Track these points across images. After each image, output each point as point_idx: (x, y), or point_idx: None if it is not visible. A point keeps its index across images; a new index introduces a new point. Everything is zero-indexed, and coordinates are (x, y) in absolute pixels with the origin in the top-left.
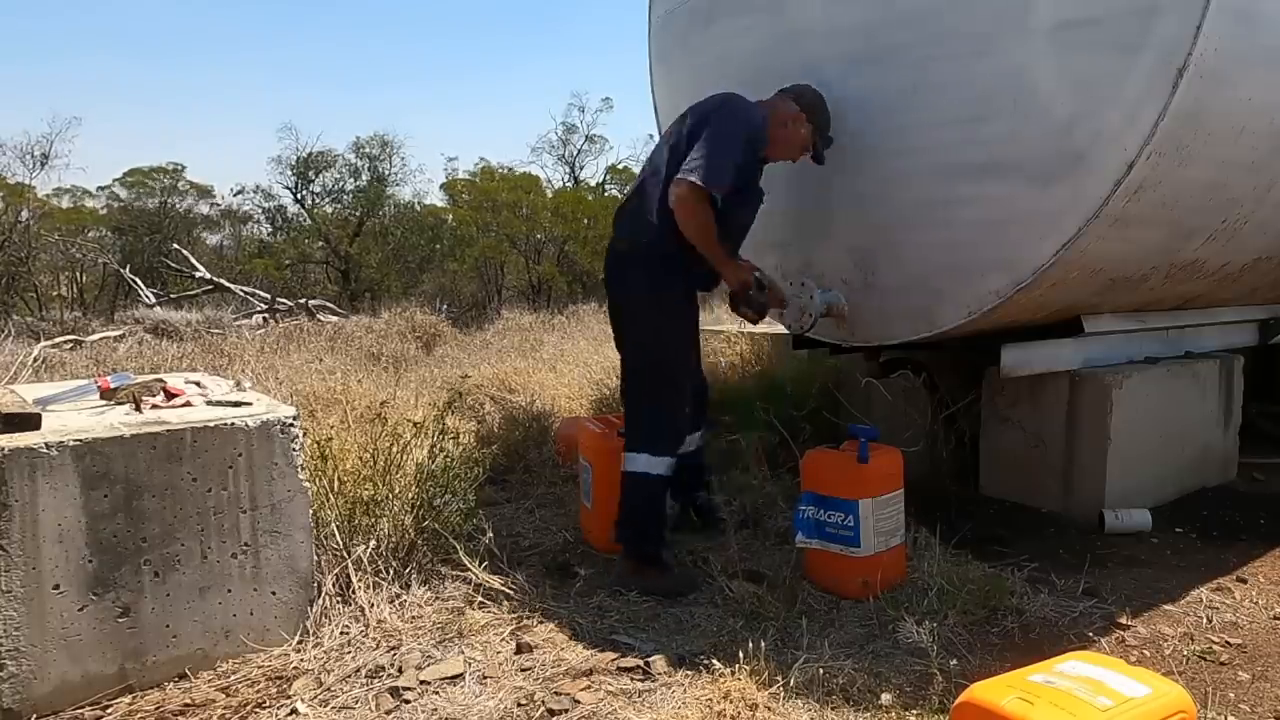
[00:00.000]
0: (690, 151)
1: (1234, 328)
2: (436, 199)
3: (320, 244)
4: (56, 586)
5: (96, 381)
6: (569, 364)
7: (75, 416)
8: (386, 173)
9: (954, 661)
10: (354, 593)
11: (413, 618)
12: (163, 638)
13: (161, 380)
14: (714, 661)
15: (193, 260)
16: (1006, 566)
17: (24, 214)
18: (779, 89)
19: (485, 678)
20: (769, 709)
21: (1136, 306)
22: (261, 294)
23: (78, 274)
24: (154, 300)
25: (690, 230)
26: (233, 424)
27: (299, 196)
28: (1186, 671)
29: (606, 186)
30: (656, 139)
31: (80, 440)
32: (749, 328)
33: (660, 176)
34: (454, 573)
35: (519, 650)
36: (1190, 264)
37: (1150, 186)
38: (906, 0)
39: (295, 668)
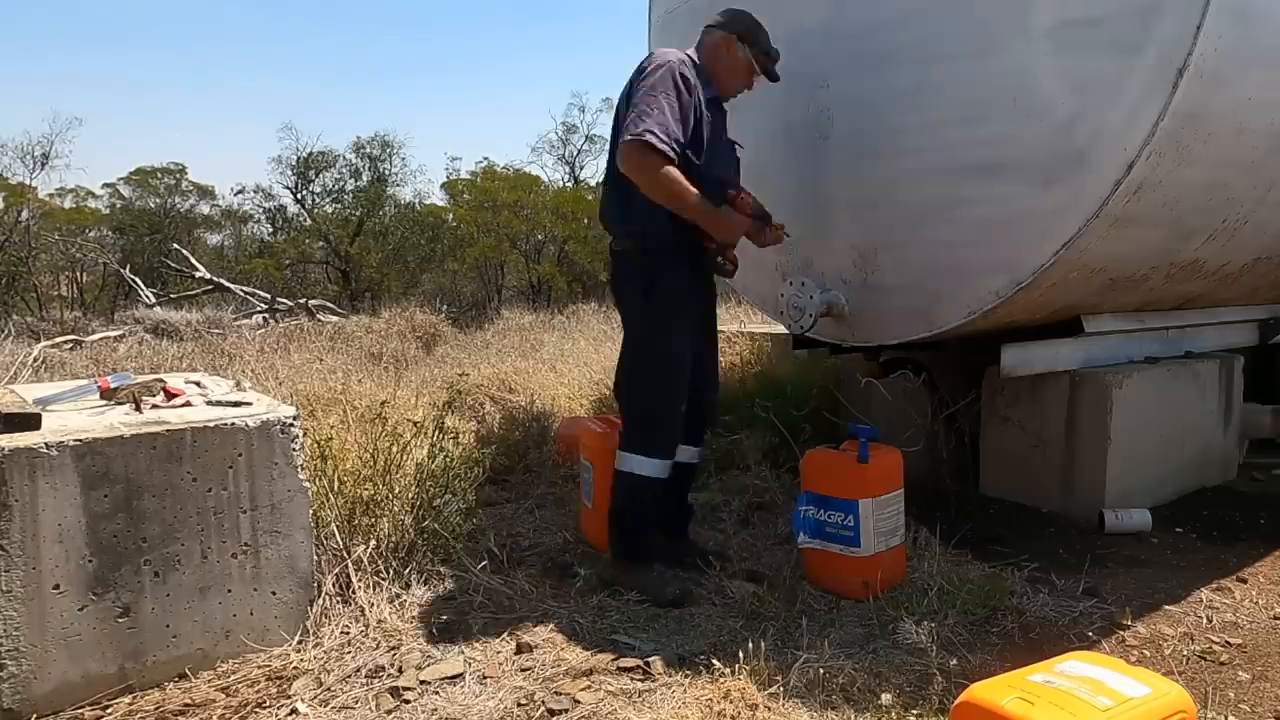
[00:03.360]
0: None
1: (1234, 328)
2: (437, 199)
3: (320, 244)
4: (56, 586)
5: (96, 381)
6: (569, 364)
7: (75, 416)
8: (387, 173)
9: (954, 661)
10: (354, 593)
11: (413, 618)
12: (163, 638)
13: (161, 380)
14: (714, 661)
15: (193, 260)
16: (1006, 566)
17: (24, 214)
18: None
19: (485, 678)
20: (769, 709)
21: (1136, 306)
22: (261, 294)
23: (78, 274)
24: (154, 300)
25: (656, 189)
26: (233, 424)
27: (299, 196)
28: (1186, 671)
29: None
30: None
31: (80, 440)
32: (749, 327)
33: (612, 162)
34: (454, 573)
35: (519, 650)
36: (1190, 264)
37: (1150, 186)
38: (906, 0)
39: (295, 668)
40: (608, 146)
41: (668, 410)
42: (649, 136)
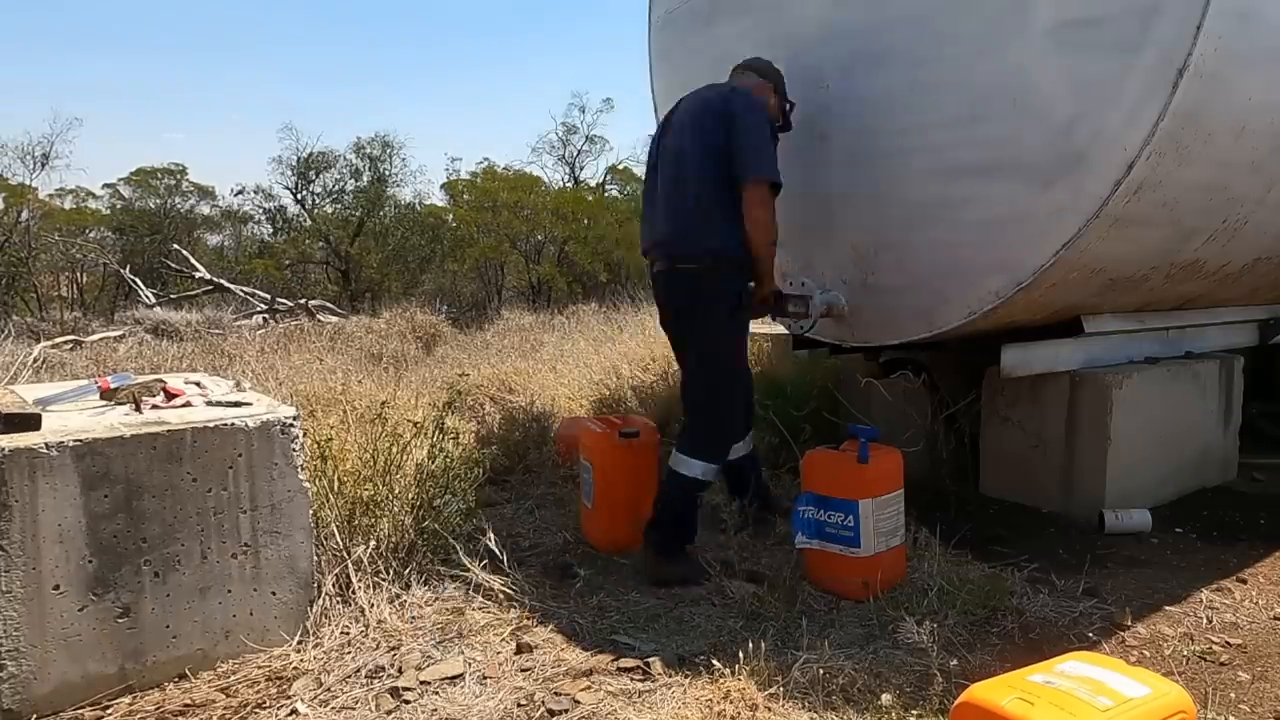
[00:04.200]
0: (736, 152)
1: (1234, 328)
2: (437, 199)
3: (320, 244)
4: (57, 587)
5: (96, 382)
6: (569, 364)
7: (75, 417)
8: (387, 173)
9: (954, 661)
10: (354, 593)
11: (413, 618)
12: (163, 638)
13: (161, 380)
14: (714, 661)
15: (193, 260)
16: (1006, 566)
17: (24, 214)
18: (733, 69)
19: (485, 678)
20: (769, 709)
21: (1137, 307)
22: (261, 294)
23: (78, 274)
24: (154, 300)
25: (770, 230)
26: (233, 424)
27: (299, 197)
28: (1186, 671)
29: (606, 187)
30: None
31: (80, 440)
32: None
33: (695, 184)
34: (454, 573)
35: (519, 650)
36: (1190, 264)
37: (1150, 187)
38: (906, 1)
39: (295, 668)
40: (670, 161)
41: (734, 418)
42: (778, 179)
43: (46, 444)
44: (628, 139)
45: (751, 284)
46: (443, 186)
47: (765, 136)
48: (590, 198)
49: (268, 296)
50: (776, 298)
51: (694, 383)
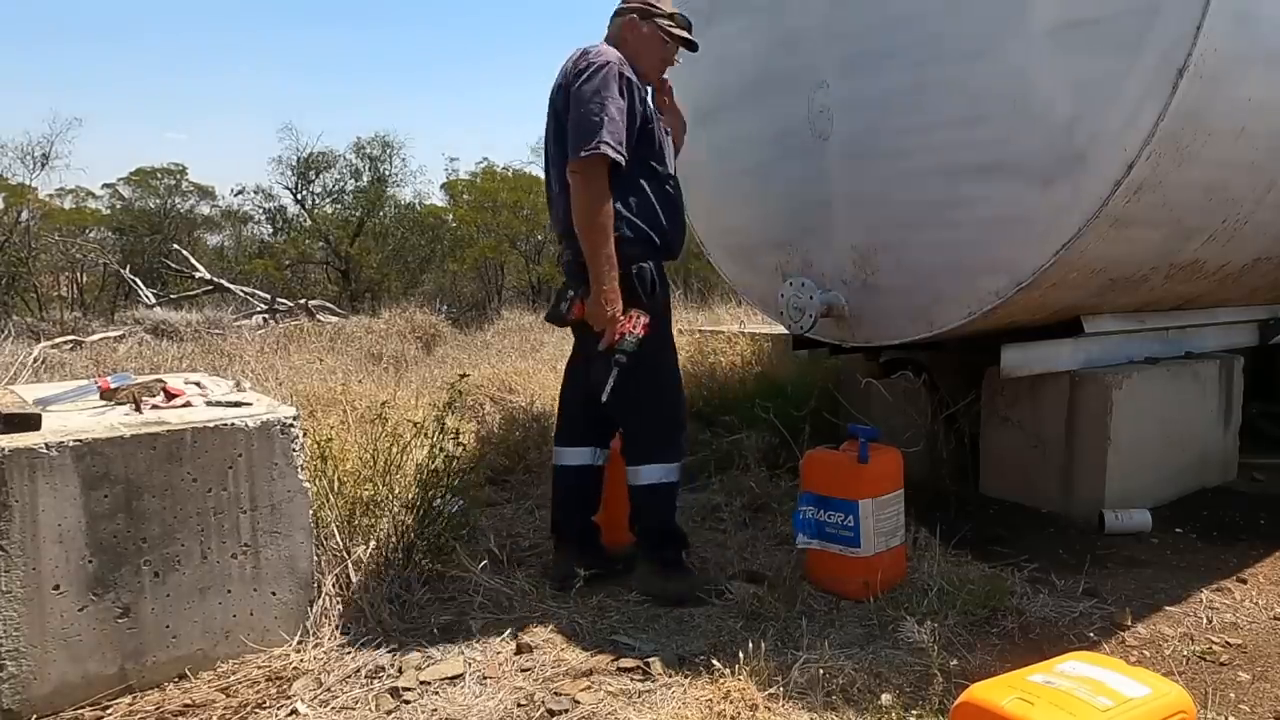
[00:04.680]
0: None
1: (1234, 328)
2: (437, 199)
3: (320, 244)
4: (56, 587)
5: (96, 382)
6: None
7: (75, 417)
8: (387, 173)
9: (954, 661)
10: (354, 593)
11: (413, 618)
12: (163, 638)
13: (161, 381)
14: (714, 662)
15: (193, 260)
16: (1006, 566)
17: (24, 214)
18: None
19: (485, 678)
20: (769, 709)
21: (1136, 307)
22: (261, 294)
23: (78, 274)
24: (154, 301)
25: (588, 214)
26: (233, 424)
27: (299, 197)
28: (1186, 671)
29: None
30: None
31: (80, 441)
32: (750, 328)
33: (561, 171)
34: (454, 573)
35: (519, 650)
36: (1190, 264)
37: (1150, 187)
38: (906, 2)
39: (295, 668)
40: (550, 148)
41: (683, 413)
42: (595, 149)
43: (46, 444)
44: None
45: (640, 267)
46: (442, 186)
47: (593, 104)
48: None
49: (268, 296)
50: (559, 298)
51: (624, 386)
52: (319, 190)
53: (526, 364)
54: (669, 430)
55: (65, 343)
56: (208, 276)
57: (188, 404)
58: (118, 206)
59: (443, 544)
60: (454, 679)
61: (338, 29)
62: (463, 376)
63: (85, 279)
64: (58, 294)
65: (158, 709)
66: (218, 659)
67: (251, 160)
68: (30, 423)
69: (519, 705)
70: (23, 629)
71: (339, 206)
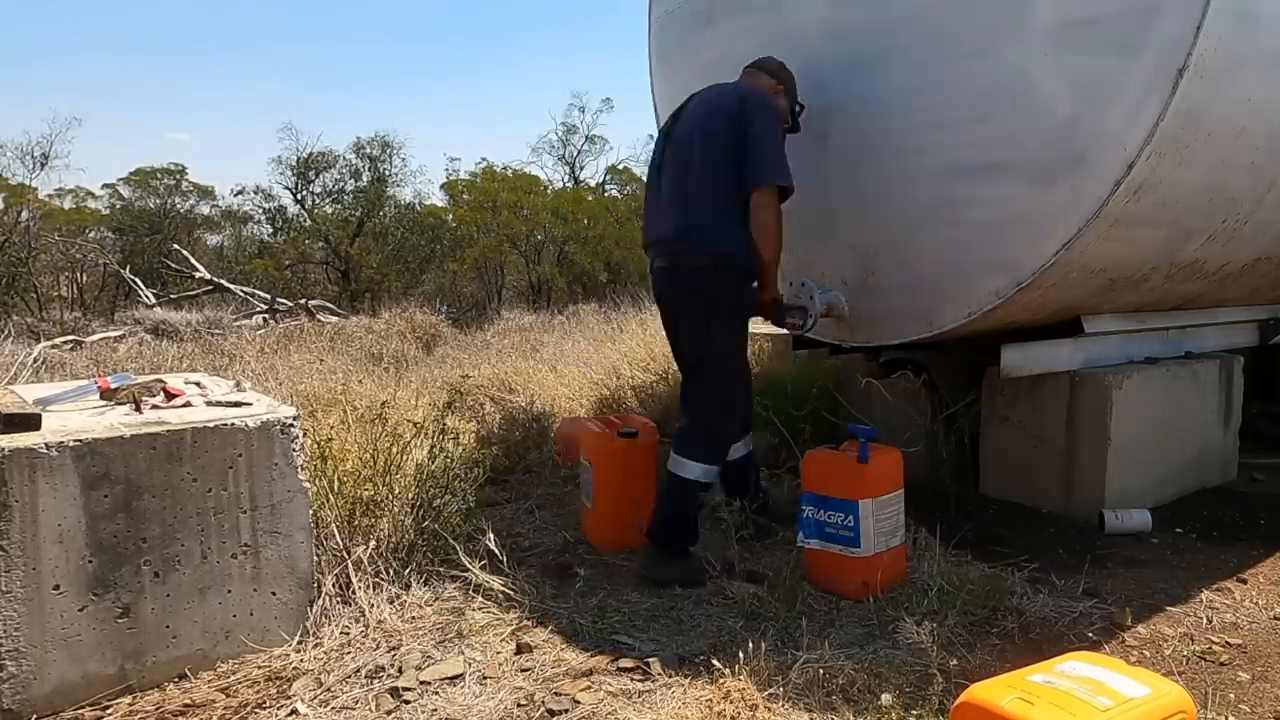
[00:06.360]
0: (748, 156)
1: (1234, 328)
2: (437, 199)
3: (320, 244)
4: (56, 587)
5: (96, 382)
6: (569, 364)
7: (75, 417)
8: (387, 173)
9: (954, 661)
10: (354, 593)
11: (413, 618)
12: (163, 638)
13: (161, 381)
14: (714, 662)
15: (193, 261)
16: (1006, 566)
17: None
18: (745, 68)
19: (485, 678)
20: (769, 709)
21: (1136, 307)
22: (261, 294)
23: (78, 274)
24: (154, 301)
25: (778, 238)
26: (233, 424)
27: (299, 197)
28: (1186, 671)
29: (606, 187)
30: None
31: (80, 440)
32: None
33: (703, 184)
34: (454, 573)
35: (519, 650)
36: (1190, 264)
37: (1150, 187)
38: (906, 1)
39: (295, 668)
40: (677, 159)
41: (731, 420)
42: (785, 181)
43: (46, 444)
44: (628, 139)
45: (756, 285)
46: (442, 186)
47: (777, 140)
48: (590, 198)
49: (268, 296)
50: (775, 306)
51: (693, 383)
52: (319, 190)
53: (526, 364)
54: (721, 435)
55: (65, 343)
56: (208, 276)
57: (188, 404)
58: (117, 206)
59: (442, 544)
60: (454, 679)
61: (339, 29)
62: (465, 377)
63: (85, 279)
64: (58, 294)
65: (158, 709)
66: (218, 659)
67: (255, 160)
68: (30, 423)
69: (519, 705)
70: (23, 629)
71: (339, 206)
